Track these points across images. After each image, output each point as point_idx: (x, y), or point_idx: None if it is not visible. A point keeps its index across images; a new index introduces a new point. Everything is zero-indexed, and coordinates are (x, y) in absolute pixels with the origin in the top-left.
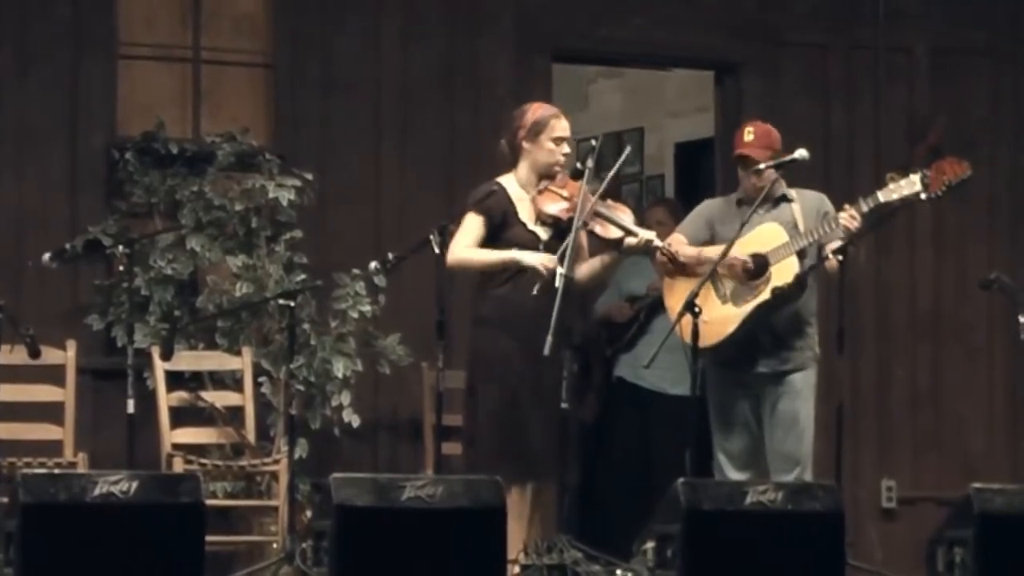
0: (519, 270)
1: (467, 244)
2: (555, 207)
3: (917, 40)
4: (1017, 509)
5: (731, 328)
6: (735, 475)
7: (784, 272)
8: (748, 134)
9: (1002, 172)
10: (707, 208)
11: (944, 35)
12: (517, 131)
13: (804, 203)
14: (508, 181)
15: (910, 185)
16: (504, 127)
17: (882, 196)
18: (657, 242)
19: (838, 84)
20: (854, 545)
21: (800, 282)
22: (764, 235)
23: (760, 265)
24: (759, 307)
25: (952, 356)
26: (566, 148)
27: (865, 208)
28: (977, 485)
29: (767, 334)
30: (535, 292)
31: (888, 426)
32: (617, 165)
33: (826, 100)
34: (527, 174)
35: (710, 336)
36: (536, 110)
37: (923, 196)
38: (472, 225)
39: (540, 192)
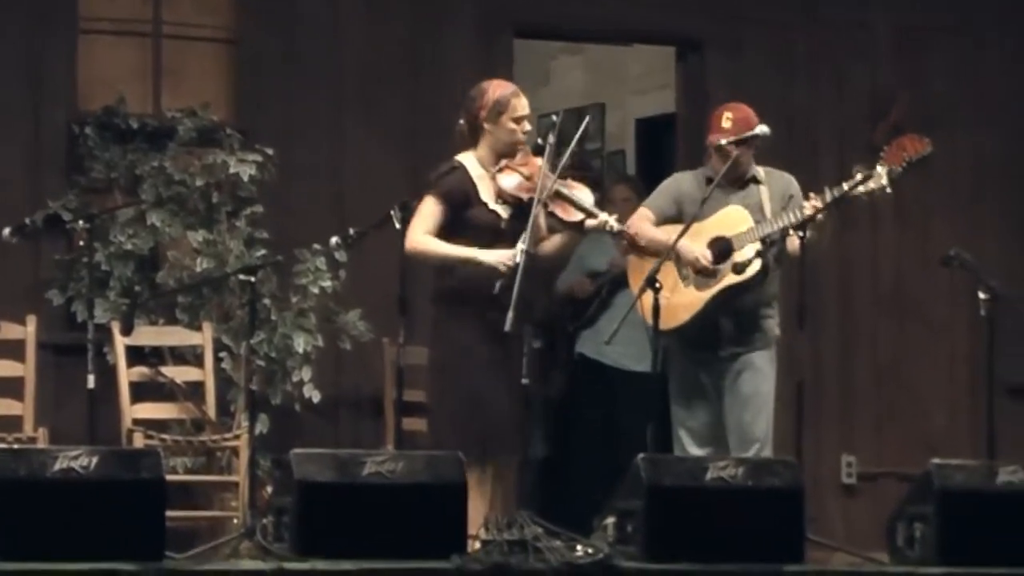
0: (488, 243)
1: (425, 230)
2: (515, 186)
3: (880, 17)
4: (977, 485)
5: (693, 312)
6: (696, 451)
7: (746, 258)
8: (726, 120)
9: (964, 149)
10: (676, 183)
11: (907, 13)
12: (478, 112)
13: (772, 185)
14: (468, 160)
15: (876, 179)
16: (462, 107)
17: (847, 187)
18: (617, 225)
19: (801, 61)
20: (814, 520)
21: (762, 267)
22: (730, 219)
23: (723, 249)
24: (721, 292)
25: (913, 332)
26: (527, 126)
27: (829, 198)
28: (937, 461)
29: (729, 319)
30: (496, 291)
31: (849, 402)
32: (576, 138)
33: (789, 77)
34: (487, 153)
35: (671, 320)
36: (495, 89)
37: (889, 191)
38: (431, 210)
39: (500, 170)
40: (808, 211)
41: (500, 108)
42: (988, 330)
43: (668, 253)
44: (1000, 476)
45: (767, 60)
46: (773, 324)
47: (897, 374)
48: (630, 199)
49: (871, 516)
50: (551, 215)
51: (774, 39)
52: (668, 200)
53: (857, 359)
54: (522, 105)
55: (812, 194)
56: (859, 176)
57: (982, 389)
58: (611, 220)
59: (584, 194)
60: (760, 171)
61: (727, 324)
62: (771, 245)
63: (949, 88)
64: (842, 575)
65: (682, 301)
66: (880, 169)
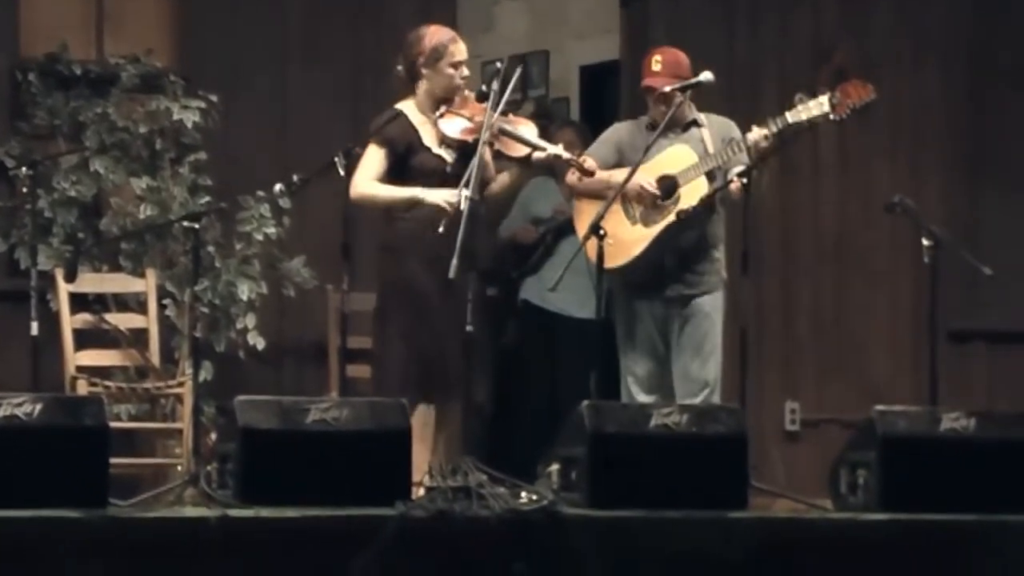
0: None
1: (369, 177)
2: (458, 130)
3: None
4: (919, 431)
5: (640, 248)
6: (643, 398)
7: (692, 193)
8: (655, 63)
9: (906, 95)
10: (616, 132)
11: None
12: (416, 58)
13: (713, 128)
14: (408, 107)
15: (818, 106)
16: (400, 52)
17: (791, 117)
18: (564, 154)
19: (744, 6)
20: (758, 467)
21: (707, 203)
22: (674, 157)
23: (669, 186)
24: (668, 228)
25: (856, 279)
26: (465, 71)
27: (774, 128)
28: (880, 408)
29: (674, 258)
30: (440, 230)
31: (792, 349)
32: (511, 83)
33: (731, 23)
34: (426, 99)
35: (619, 257)
36: (433, 35)
37: (832, 117)
38: (374, 157)
39: (441, 115)
40: (755, 138)
41: (438, 55)
42: (931, 277)
43: (615, 196)
44: (943, 422)
45: (710, 6)
46: (720, 267)
47: (839, 321)
48: (574, 143)
49: (814, 463)
50: (497, 153)
51: None
52: (609, 149)
53: (800, 306)
54: (460, 51)
55: (755, 126)
56: (800, 106)
57: (924, 335)
58: (558, 149)
59: (528, 129)
60: (700, 116)
61: (674, 264)
62: (716, 191)
63: (890, 33)
64: (785, 521)
65: (629, 238)
66: (822, 98)
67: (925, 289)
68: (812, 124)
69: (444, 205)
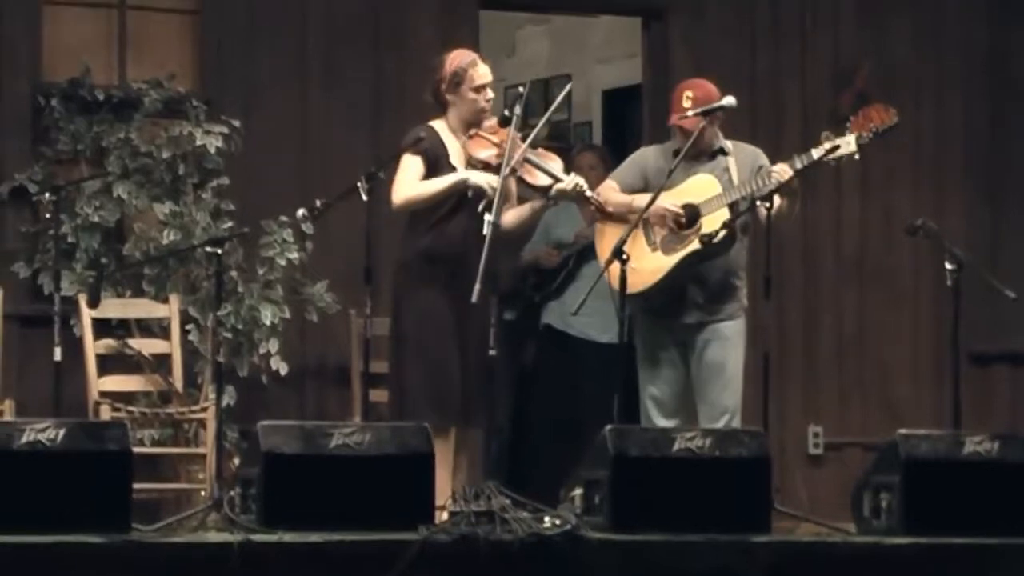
0: (451, 211)
1: (411, 181)
2: (485, 153)
3: None
4: (942, 454)
5: (659, 277)
6: (662, 422)
7: (714, 224)
8: (687, 100)
9: (927, 117)
10: (643, 157)
11: None
12: (439, 83)
13: (740, 157)
14: (439, 125)
15: (846, 146)
16: (427, 78)
17: (816, 154)
18: (586, 190)
19: (765, 29)
20: (781, 491)
21: (730, 232)
22: (698, 186)
23: (691, 215)
24: (688, 257)
25: (878, 302)
26: (489, 94)
27: (799, 165)
28: (903, 431)
29: (696, 287)
30: (480, 210)
31: (815, 372)
32: (548, 114)
33: (753, 45)
34: (456, 121)
35: (637, 283)
36: (453, 61)
37: (857, 157)
38: (412, 165)
39: (471, 137)
40: (777, 175)
41: (458, 79)
42: (955, 301)
43: (637, 222)
44: (966, 446)
45: (731, 28)
46: (742, 295)
47: (862, 344)
48: (596, 167)
49: (837, 486)
50: (519, 180)
51: (738, 7)
52: (635, 173)
53: (822, 329)
54: (480, 74)
55: (780, 164)
56: (827, 144)
57: (947, 358)
58: (580, 181)
59: (553, 162)
60: (727, 143)
61: (695, 292)
62: (739, 214)
63: (911, 55)
64: (808, 545)
65: (649, 266)
66: (849, 136)
67: (948, 312)
68: (838, 162)
69: (487, 187)
